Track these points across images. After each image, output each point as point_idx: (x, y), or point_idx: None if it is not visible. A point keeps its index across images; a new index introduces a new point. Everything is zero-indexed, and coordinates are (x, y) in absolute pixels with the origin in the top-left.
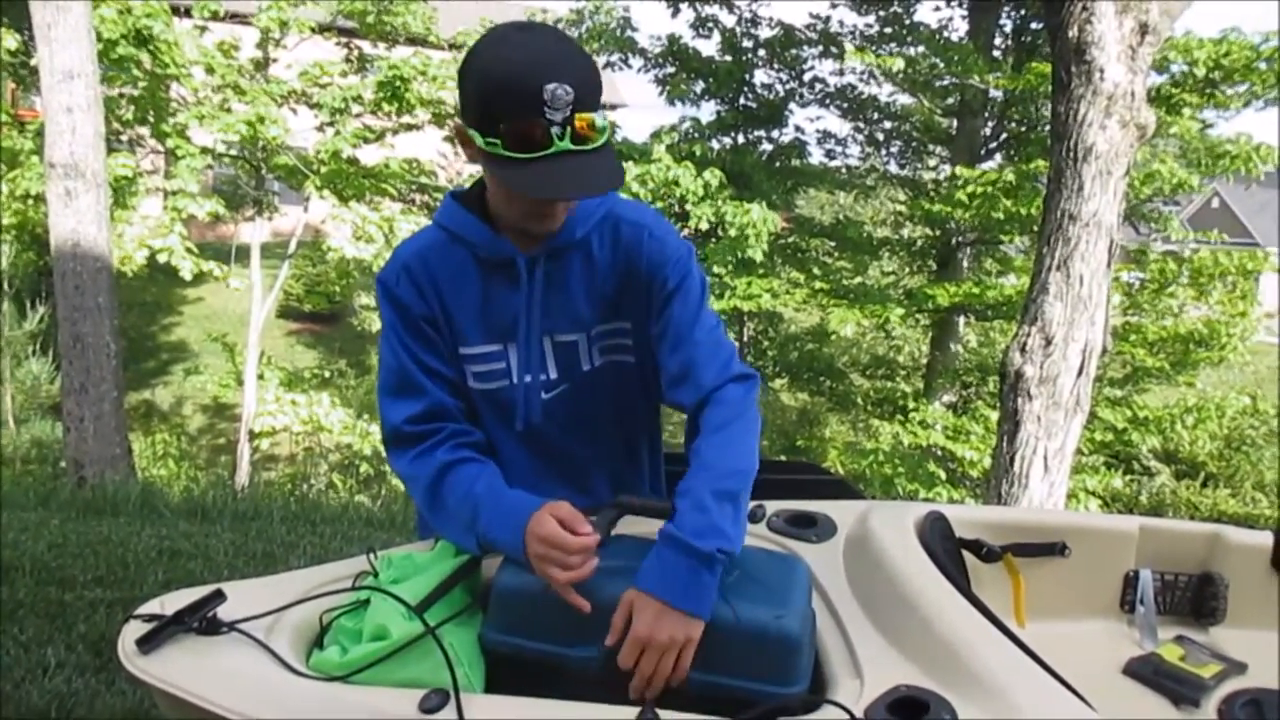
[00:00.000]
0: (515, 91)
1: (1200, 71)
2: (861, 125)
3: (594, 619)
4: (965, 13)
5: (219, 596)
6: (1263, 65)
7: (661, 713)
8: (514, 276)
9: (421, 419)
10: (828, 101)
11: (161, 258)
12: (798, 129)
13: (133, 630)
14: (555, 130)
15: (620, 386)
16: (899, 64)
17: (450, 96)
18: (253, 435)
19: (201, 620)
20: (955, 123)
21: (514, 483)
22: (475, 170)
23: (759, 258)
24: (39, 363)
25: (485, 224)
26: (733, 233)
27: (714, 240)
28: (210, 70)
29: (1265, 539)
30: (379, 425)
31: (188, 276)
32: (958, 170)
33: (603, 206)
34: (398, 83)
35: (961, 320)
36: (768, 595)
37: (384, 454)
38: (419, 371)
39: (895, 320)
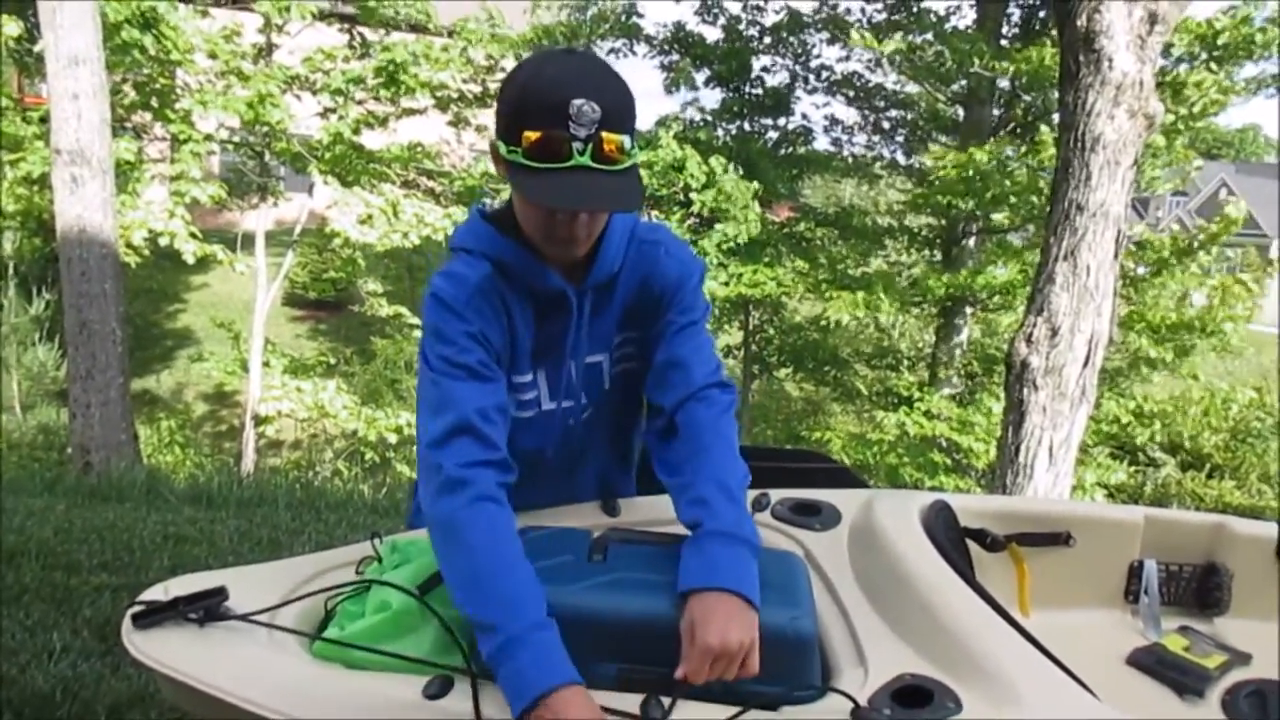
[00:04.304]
0: (542, 103)
1: (1182, 51)
2: (868, 113)
3: (603, 635)
4: (974, 1)
5: (221, 593)
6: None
7: (667, 701)
8: (563, 309)
9: (480, 461)
10: (834, 89)
11: (163, 240)
12: (804, 116)
13: (136, 614)
14: (577, 145)
15: (628, 396)
16: (899, 44)
17: (451, 79)
18: (258, 421)
19: (203, 611)
20: (962, 110)
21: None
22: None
23: (752, 233)
24: (45, 349)
25: (530, 253)
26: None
27: (713, 229)
28: (213, 55)
29: (1270, 530)
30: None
31: (190, 260)
32: (932, 149)
33: (626, 232)
34: (393, 66)
35: (967, 311)
36: (778, 596)
37: (414, 459)
38: (494, 413)
39: (887, 310)
